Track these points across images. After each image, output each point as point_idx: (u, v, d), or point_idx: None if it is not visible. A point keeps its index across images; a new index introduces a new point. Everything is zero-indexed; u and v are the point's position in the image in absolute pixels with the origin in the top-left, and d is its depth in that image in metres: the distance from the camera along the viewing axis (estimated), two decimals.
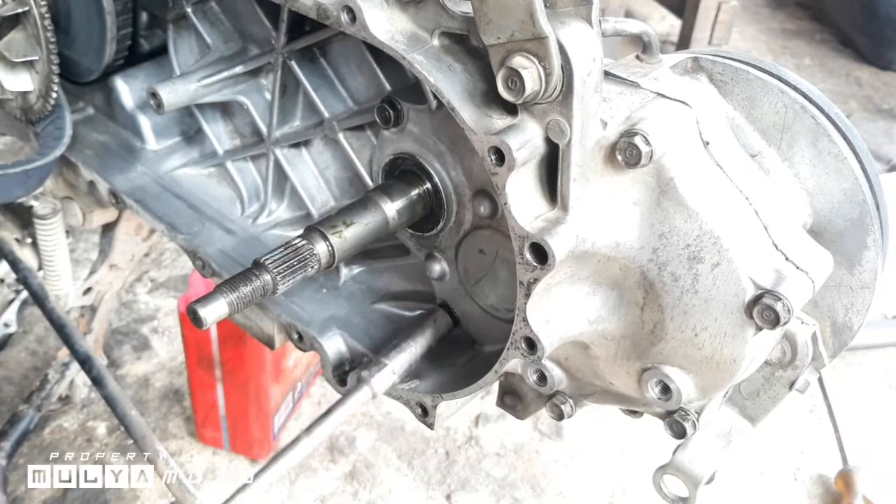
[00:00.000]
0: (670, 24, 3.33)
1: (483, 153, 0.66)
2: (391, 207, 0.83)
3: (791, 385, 0.78)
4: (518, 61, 0.63)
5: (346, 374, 0.94)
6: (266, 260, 0.69)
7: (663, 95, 0.74)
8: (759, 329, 0.68)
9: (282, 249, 0.70)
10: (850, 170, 0.78)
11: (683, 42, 3.28)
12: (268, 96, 1.08)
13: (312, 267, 0.74)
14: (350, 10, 0.70)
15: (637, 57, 0.84)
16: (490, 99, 0.68)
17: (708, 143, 0.74)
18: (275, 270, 0.69)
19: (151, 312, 2.35)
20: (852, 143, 0.77)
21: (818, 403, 1.94)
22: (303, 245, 0.74)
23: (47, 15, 1.15)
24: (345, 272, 1.05)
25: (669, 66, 0.82)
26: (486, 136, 0.65)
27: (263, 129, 1.08)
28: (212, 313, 0.68)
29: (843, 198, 0.79)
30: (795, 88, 0.78)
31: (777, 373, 0.79)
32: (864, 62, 3.32)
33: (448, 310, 0.93)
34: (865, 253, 0.79)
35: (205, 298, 0.67)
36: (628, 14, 3.17)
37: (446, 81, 0.68)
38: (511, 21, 0.62)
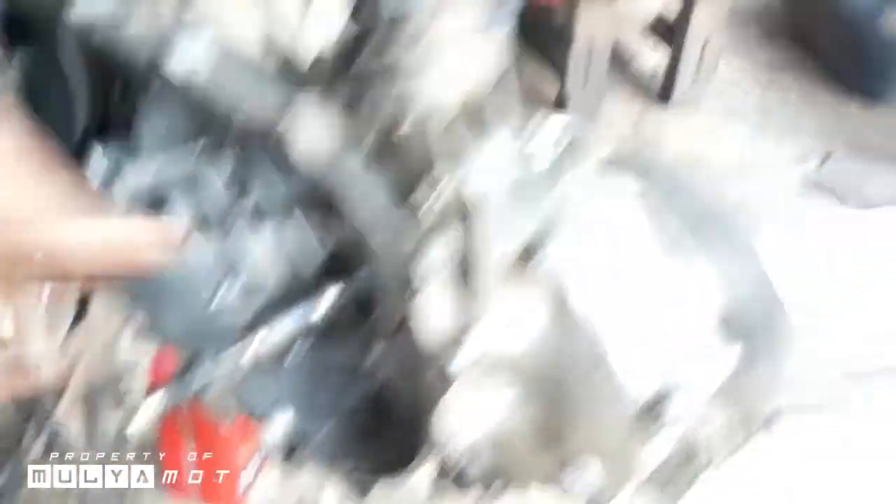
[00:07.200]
0: (659, 59, 3.36)
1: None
2: None
3: (698, 474, 0.83)
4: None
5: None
6: None
7: (574, 204, 0.79)
8: (654, 433, 0.73)
9: None
10: (757, 266, 0.83)
11: (670, 75, 3.33)
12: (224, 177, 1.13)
13: None
14: None
15: (562, 152, 0.89)
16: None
17: (615, 249, 0.78)
18: None
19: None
20: (754, 246, 0.82)
21: None
22: None
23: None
24: None
25: (592, 162, 0.87)
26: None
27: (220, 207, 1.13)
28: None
29: (753, 292, 0.83)
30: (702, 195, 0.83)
31: (681, 466, 0.83)
32: (851, 97, 3.34)
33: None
34: (773, 344, 0.84)
35: None
36: (615, 52, 3.21)
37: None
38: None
